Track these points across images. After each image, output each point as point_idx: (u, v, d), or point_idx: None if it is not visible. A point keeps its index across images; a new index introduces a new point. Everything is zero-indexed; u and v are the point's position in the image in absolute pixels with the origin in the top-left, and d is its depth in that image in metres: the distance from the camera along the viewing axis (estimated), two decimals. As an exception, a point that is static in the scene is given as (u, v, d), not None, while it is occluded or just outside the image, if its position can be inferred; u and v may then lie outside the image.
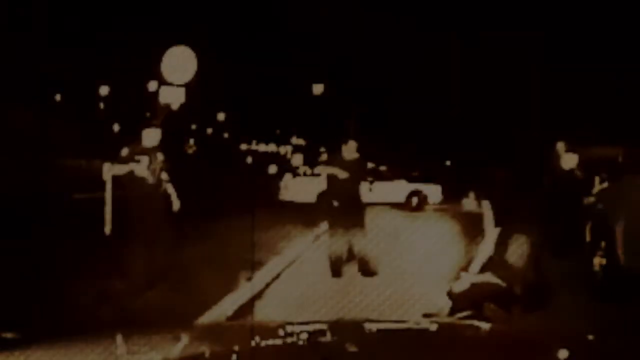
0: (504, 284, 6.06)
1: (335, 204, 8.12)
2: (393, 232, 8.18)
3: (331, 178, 8.18)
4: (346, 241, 8.00)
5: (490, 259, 7.13)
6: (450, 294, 6.01)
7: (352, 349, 1.83)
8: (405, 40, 27.87)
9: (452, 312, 5.63)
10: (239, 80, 39.18)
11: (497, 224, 8.66)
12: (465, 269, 6.43)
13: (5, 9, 25.44)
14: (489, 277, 6.19)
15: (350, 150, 8.23)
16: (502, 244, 7.65)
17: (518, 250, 7.19)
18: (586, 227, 8.48)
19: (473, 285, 5.98)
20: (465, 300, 5.72)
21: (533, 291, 6.47)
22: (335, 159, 8.38)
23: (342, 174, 8.01)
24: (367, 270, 8.03)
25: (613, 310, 6.25)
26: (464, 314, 5.04)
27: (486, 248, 6.58)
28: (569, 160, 8.26)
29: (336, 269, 8.07)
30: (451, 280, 6.26)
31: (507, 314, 5.46)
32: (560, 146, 8.51)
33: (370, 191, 8.75)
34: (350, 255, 8.11)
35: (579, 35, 21.81)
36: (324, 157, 12.43)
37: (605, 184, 8.68)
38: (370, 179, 9.13)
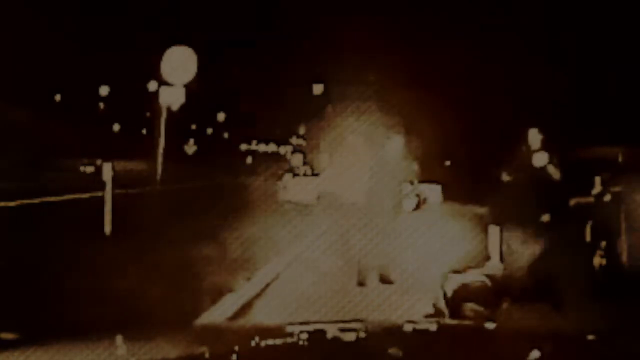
0: (489, 282, 6.05)
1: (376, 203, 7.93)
2: (392, 232, 8.14)
3: (373, 177, 7.94)
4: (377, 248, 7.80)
5: (492, 257, 7.11)
6: (444, 296, 6.03)
7: (353, 349, 1.83)
8: (403, 38, 27.88)
9: (450, 312, 5.65)
10: (238, 81, 39.14)
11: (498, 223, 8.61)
12: (456, 270, 6.44)
13: (5, 9, 25.43)
14: (476, 276, 6.17)
15: (395, 148, 8.01)
16: (502, 242, 7.59)
17: (517, 249, 7.15)
18: (587, 227, 8.49)
19: (462, 285, 5.98)
20: (457, 301, 5.74)
21: (528, 288, 6.47)
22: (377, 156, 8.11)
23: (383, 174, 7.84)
24: (386, 277, 7.93)
25: (613, 310, 6.26)
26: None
27: (492, 245, 6.58)
28: (539, 159, 7.82)
29: (363, 279, 7.88)
30: (442, 282, 6.27)
31: (491, 312, 5.47)
32: (535, 140, 7.92)
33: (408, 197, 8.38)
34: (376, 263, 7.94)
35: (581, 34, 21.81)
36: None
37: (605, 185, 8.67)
38: (411, 180, 8.63)
